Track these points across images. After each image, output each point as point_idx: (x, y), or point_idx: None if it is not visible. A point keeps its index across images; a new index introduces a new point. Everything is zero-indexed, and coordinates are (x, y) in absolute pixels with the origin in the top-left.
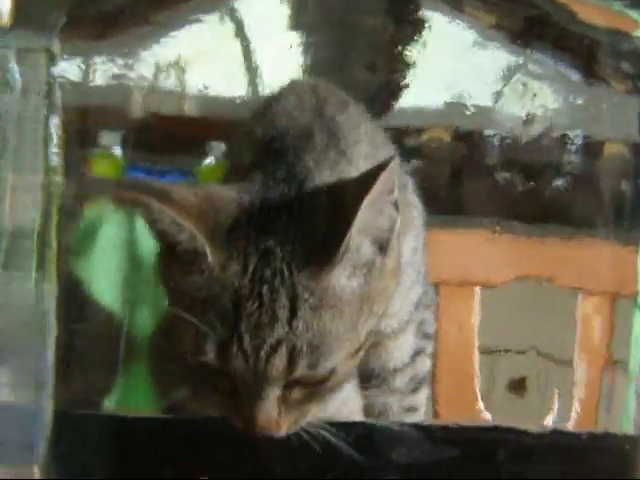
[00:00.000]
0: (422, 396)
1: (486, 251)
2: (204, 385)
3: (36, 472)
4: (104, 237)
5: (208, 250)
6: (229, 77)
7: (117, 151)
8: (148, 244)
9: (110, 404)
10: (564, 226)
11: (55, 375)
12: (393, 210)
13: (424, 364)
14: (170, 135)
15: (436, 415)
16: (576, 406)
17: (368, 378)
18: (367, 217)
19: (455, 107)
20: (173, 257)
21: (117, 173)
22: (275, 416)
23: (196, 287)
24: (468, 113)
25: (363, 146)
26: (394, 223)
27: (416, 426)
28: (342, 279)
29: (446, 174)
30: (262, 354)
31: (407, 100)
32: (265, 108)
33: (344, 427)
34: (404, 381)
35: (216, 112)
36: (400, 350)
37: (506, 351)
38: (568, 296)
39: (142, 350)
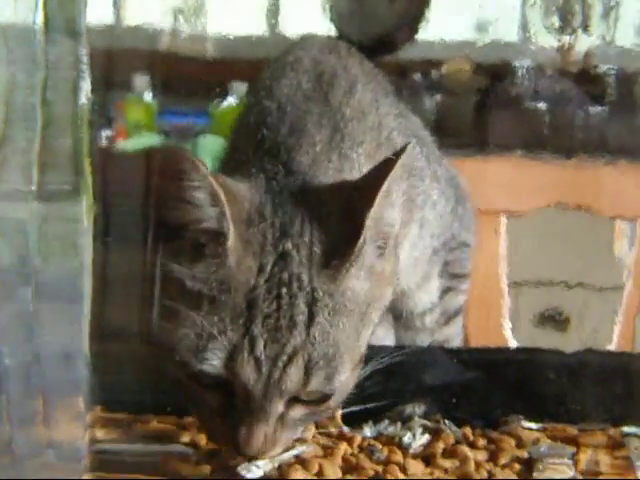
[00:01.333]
0: (454, 328)
1: (515, 180)
2: (189, 398)
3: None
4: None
5: (232, 235)
6: (248, 16)
7: (148, 96)
8: None
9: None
10: (600, 154)
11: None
12: (395, 213)
13: (454, 300)
14: (191, 77)
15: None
16: (615, 334)
17: (398, 319)
18: (378, 212)
19: (479, 38)
20: (181, 241)
21: (150, 119)
22: (272, 437)
23: (204, 277)
24: (493, 44)
25: (367, 144)
26: (393, 226)
27: (450, 350)
28: (354, 282)
29: (470, 105)
30: (279, 363)
31: (429, 32)
32: (267, 87)
33: (376, 352)
34: (434, 319)
35: (236, 52)
36: (427, 295)
37: (537, 283)
38: (604, 224)
39: None
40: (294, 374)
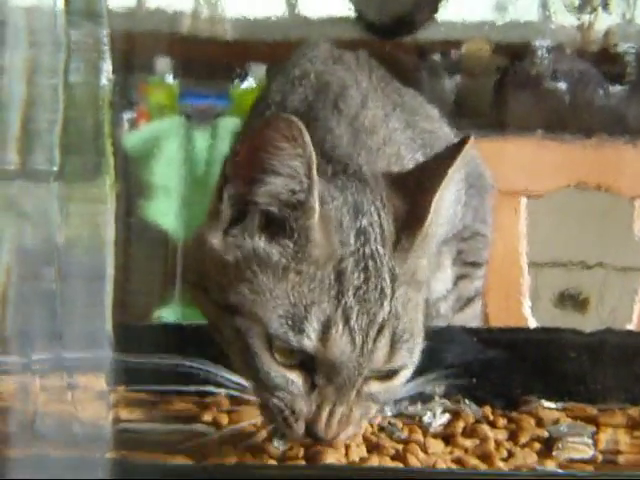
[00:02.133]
0: (469, 313)
1: (535, 160)
2: (262, 386)
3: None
4: (167, 149)
5: (318, 208)
6: None
7: (169, 79)
8: (207, 165)
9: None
10: (620, 133)
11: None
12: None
13: (469, 287)
14: (211, 59)
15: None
16: (635, 313)
17: None
18: (444, 194)
19: (499, 17)
20: (256, 215)
21: (172, 102)
22: (348, 416)
23: (289, 251)
24: (513, 23)
25: (379, 161)
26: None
27: (471, 329)
28: (420, 260)
29: (490, 85)
30: (371, 334)
31: (448, 11)
32: (278, 103)
33: None
34: (449, 305)
35: (255, 34)
36: (439, 283)
37: (557, 263)
38: (624, 204)
39: None
40: (383, 346)
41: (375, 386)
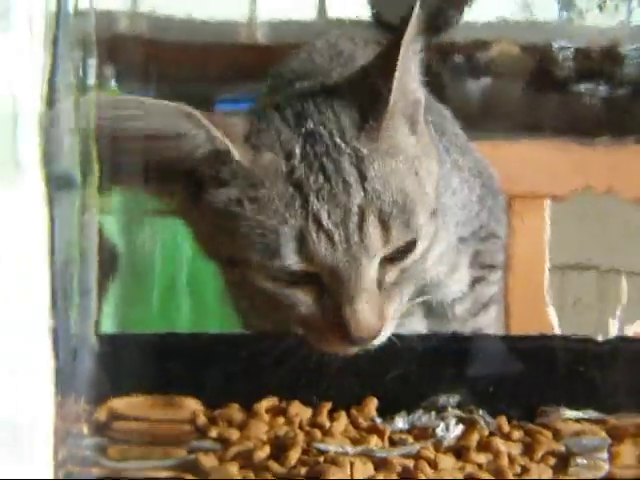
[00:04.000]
0: (486, 317)
1: (560, 163)
2: (280, 311)
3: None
4: None
5: (230, 146)
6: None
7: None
8: None
9: None
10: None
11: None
12: (419, 86)
13: (486, 290)
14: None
15: (507, 330)
16: None
17: (428, 310)
18: (402, 77)
19: (524, 18)
20: (199, 189)
21: None
22: (379, 308)
23: (234, 193)
24: (538, 25)
25: None
26: (419, 100)
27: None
28: (398, 137)
29: (517, 88)
30: (351, 226)
31: (474, 13)
32: (285, 72)
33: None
34: (465, 308)
35: (285, 37)
36: (456, 284)
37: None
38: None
39: None
40: (371, 230)
41: (394, 271)
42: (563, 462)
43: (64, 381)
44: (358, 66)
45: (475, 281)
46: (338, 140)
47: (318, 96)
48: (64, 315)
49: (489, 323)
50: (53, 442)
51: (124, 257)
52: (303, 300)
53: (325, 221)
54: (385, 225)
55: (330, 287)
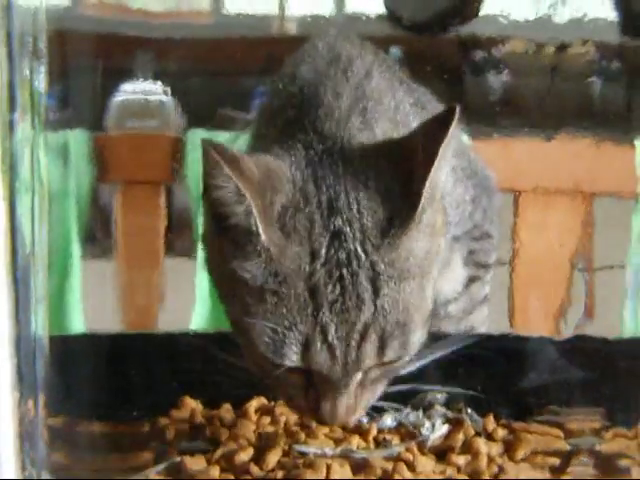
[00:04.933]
0: (480, 316)
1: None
2: (272, 380)
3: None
4: None
5: (261, 229)
6: None
7: None
8: None
9: None
10: None
11: None
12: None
13: (480, 290)
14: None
15: (511, 327)
16: None
17: None
18: (434, 175)
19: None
20: (227, 239)
21: None
22: (354, 405)
23: (259, 272)
24: (555, 22)
25: (383, 123)
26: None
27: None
28: (414, 244)
29: (532, 84)
30: (352, 343)
31: (492, 7)
32: (287, 77)
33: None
34: (459, 308)
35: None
36: (449, 283)
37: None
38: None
39: None
40: (369, 350)
41: (376, 372)
42: (565, 461)
43: (24, 384)
44: (356, 74)
45: (470, 280)
46: (359, 248)
47: (348, 177)
48: (24, 319)
49: (482, 321)
50: (16, 444)
51: None
52: (289, 381)
53: (331, 335)
54: (383, 344)
55: (316, 383)
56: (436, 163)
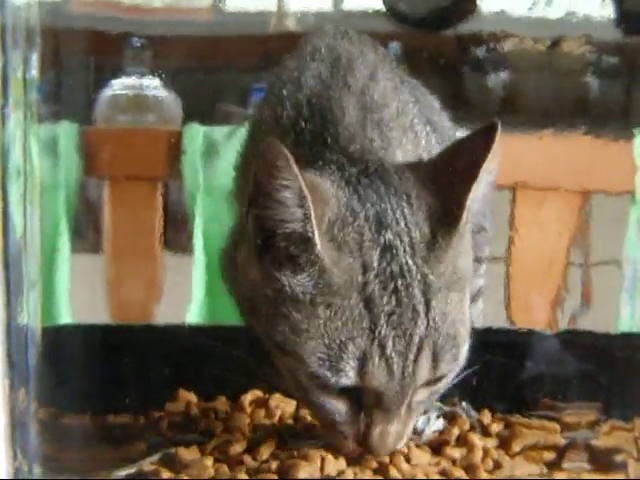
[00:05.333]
0: (475, 310)
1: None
2: (317, 407)
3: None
4: None
5: (317, 236)
6: None
7: None
8: None
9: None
10: None
11: None
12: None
13: (476, 283)
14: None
15: (509, 322)
16: None
17: None
18: (480, 180)
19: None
20: (274, 255)
21: None
22: (402, 431)
23: (311, 285)
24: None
25: (395, 131)
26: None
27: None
28: (458, 259)
29: (531, 81)
30: (410, 357)
31: (490, 4)
32: (292, 83)
33: None
34: None
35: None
36: None
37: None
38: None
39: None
40: (425, 364)
41: (423, 393)
42: (560, 455)
43: (15, 374)
44: (359, 73)
45: None
46: (410, 261)
47: (391, 194)
48: (15, 305)
49: (477, 314)
50: (7, 434)
51: None
52: (337, 409)
53: (390, 349)
54: (436, 358)
55: (368, 405)
56: (479, 178)
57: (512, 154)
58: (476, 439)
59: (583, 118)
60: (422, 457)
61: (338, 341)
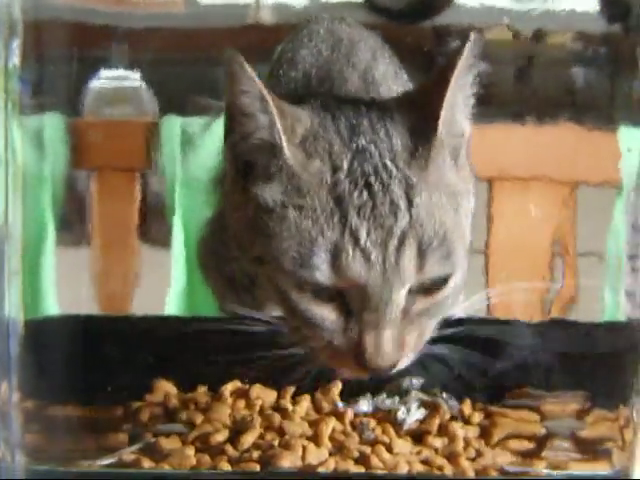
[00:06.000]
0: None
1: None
2: (306, 325)
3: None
4: None
5: (284, 143)
6: None
7: None
8: None
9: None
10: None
11: None
12: (466, 119)
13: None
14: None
15: (489, 314)
16: None
17: None
18: (453, 98)
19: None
20: (245, 167)
21: None
22: (401, 339)
23: (279, 194)
24: (532, 10)
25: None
26: (464, 133)
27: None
28: (443, 170)
29: (509, 74)
30: (391, 247)
31: None
32: (287, 63)
33: None
34: None
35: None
36: None
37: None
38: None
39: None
40: (408, 255)
41: (423, 302)
42: (540, 445)
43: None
44: (361, 54)
45: None
46: (389, 163)
47: (372, 112)
48: None
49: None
50: None
51: None
52: (324, 317)
53: (363, 239)
54: (422, 254)
55: (355, 308)
56: (452, 83)
57: (493, 144)
58: (457, 428)
59: (567, 108)
60: (404, 446)
61: (309, 238)
